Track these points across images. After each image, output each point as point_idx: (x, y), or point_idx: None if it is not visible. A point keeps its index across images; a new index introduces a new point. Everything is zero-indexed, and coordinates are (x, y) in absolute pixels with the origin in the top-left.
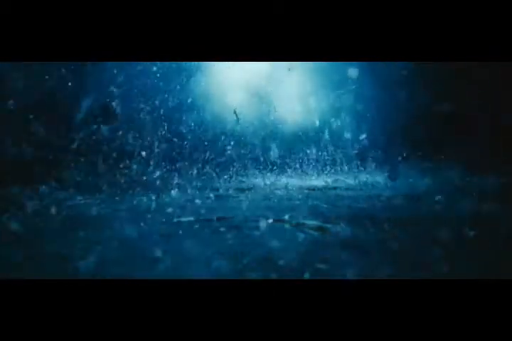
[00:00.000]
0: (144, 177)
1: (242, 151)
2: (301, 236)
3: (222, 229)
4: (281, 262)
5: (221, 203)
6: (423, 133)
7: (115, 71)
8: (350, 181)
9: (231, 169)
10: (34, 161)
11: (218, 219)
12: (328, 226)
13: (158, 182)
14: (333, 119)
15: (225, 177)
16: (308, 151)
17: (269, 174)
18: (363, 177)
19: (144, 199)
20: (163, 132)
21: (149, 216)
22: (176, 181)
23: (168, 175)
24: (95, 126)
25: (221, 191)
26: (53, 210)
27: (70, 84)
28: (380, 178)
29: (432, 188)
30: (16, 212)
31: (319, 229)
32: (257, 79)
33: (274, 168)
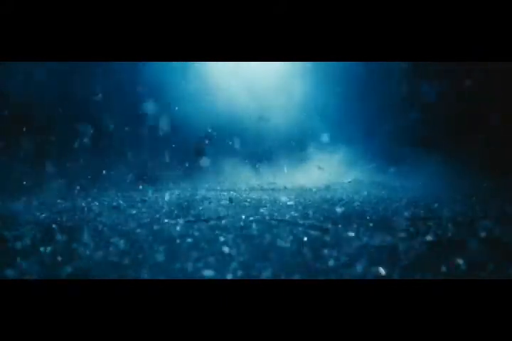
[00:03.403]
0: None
1: (240, 151)
2: (301, 236)
3: (220, 229)
4: (280, 262)
5: (220, 204)
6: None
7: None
8: (350, 181)
9: (229, 170)
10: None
11: (217, 219)
12: (329, 226)
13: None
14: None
15: (223, 178)
16: (307, 151)
17: (268, 174)
18: (364, 177)
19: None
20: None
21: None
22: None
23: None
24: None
25: (219, 192)
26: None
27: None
28: (381, 178)
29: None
30: None
31: (319, 229)
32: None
33: (274, 169)
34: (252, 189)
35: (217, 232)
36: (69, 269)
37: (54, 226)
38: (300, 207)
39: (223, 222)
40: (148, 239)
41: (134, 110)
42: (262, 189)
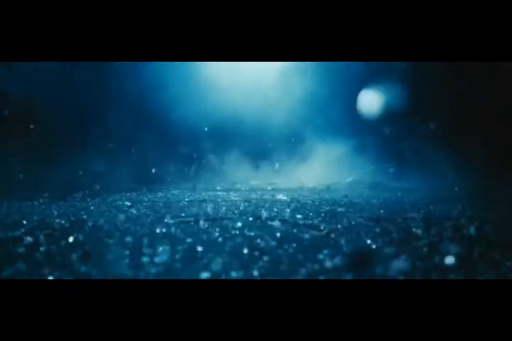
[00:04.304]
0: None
1: (240, 153)
2: (299, 236)
3: (219, 229)
4: (279, 262)
5: (220, 204)
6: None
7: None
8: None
9: (230, 170)
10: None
11: (216, 219)
12: (326, 226)
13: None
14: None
15: (223, 178)
16: (307, 152)
17: (268, 174)
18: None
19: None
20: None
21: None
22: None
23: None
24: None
25: (220, 192)
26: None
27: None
28: (379, 179)
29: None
30: None
31: (318, 229)
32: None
33: (273, 169)
34: (251, 189)
35: (216, 232)
36: (70, 269)
37: (54, 226)
38: (300, 207)
39: (223, 222)
40: (148, 239)
41: (133, 110)
42: (262, 189)
